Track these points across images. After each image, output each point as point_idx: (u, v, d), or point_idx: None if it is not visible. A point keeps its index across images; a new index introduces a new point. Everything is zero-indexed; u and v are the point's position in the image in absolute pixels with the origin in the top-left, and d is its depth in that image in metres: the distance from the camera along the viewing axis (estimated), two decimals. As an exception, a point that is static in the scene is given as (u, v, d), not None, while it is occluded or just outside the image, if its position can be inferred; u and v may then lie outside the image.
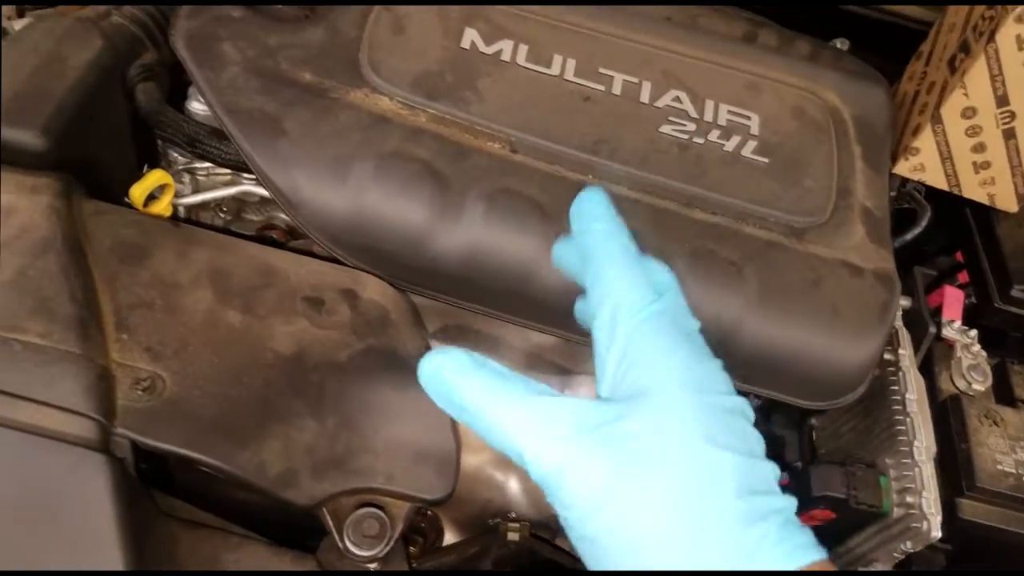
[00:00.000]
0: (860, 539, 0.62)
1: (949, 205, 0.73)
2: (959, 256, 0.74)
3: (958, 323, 0.67)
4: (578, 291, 0.56)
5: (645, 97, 0.64)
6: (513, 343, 0.65)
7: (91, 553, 0.40)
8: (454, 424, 0.50)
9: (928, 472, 0.59)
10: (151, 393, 0.45)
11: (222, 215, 0.66)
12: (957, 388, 0.65)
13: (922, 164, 0.70)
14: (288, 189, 0.56)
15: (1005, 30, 0.61)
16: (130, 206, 0.58)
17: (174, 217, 0.61)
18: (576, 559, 0.40)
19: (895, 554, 0.59)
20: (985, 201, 0.71)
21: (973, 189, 0.70)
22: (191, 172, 0.64)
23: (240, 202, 0.66)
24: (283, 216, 0.66)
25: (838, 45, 0.77)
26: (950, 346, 0.67)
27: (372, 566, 0.46)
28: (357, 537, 0.46)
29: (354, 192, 0.55)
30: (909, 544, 0.58)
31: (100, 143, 0.57)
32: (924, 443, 0.60)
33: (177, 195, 0.61)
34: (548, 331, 0.60)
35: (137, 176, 0.61)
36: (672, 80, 0.65)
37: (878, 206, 0.65)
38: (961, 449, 0.61)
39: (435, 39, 0.63)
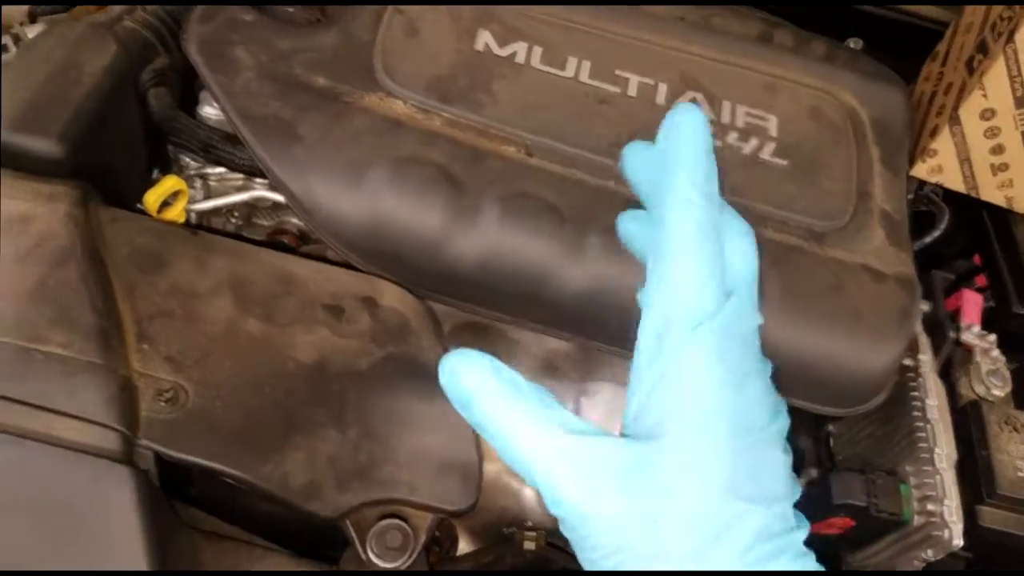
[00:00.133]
0: (880, 547, 0.61)
1: (966, 207, 0.73)
2: (977, 259, 0.74)
3: (977, 327, 0.67)
4: (596, 296, 0.57)
5: (661, 99, 0.63)
6: (529, 348, 0.65)
7: (116, 566, 0.39)
8: (476, 434, 0.50)
9: (949, 479, 0.58)
10: (174, 404, 0.44)
11: (233, 220, 0.66)
12: (976, 394, 0.64)
13: (940, 166, 0.69)
14: (303, 194, 0.55)
15: (1025, 31, 0.61)
16: (143, 212, 0.57)
17: (186, 223, 0.60)
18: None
19: (916, 562, 0.59)
20: (1003, 204, 0.70)
21: (991, 191, 0.70)
22: (203, 177, 0.63)
23: (251, 207, 0.65)
24: (294, 220, 0.66)
25: (851, 45, 0.76)
26: (969, 351, 0.66)
27: (394, 578, 0.46)
28: (380, 549, 0.45)
29: (369, 197, 0.55)
30: (931, 552, 0.58)
31: (114, 149, 0.56)
32: (945, 450, 0.60)
33: (189, 201, 0.60)
34: (564, 337, 0.60)
35: (148, 182, 0.60)
36: (689, 81, 0.65)
37: (897, 209, 0.64)
38: (981, 456, 0.60)
39: (449, 42, 0.62)
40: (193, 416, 0.44)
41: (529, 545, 0.60)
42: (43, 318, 0.45)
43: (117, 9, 0.59)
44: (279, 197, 0.62)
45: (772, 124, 0.64)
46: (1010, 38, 0.61)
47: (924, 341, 0.65)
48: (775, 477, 0.36)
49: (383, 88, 0.59)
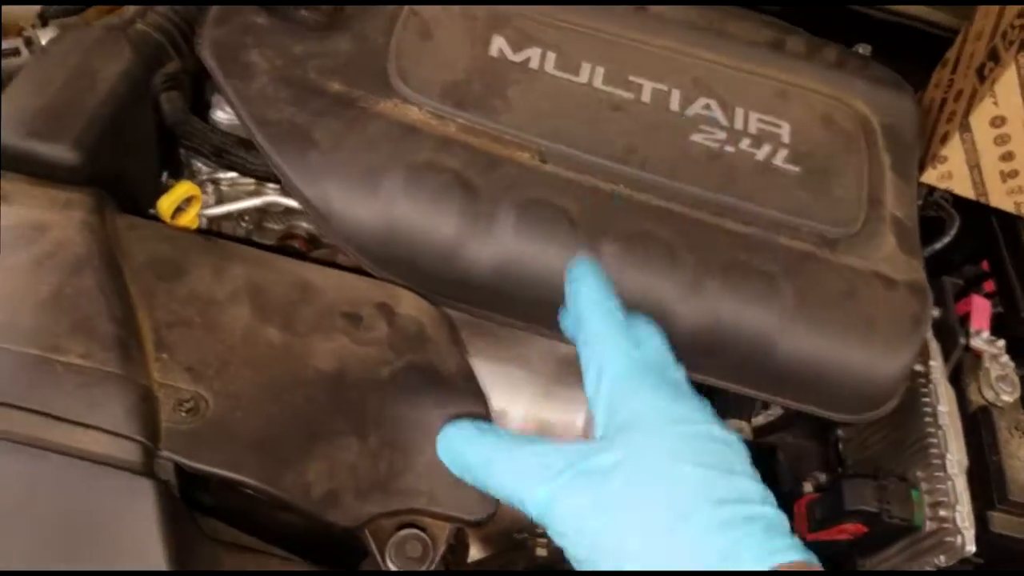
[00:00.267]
0: (892, 552, 0.62)
1: (975, 213, 0.73)
2: (985, 265, 0.74)
3: (986, 333, 0.67)
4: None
5: (675, 105, 0.63)
6: (542, 354, 0.65)
7: (139, 580, 0.39)
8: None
9: (961, 485, 0.59)
10: (194, 414, 0.44)
11: (244, 225, 0.66)
12: (986, 399, 0.65)
13: (950, 172, 0.70)
14: (318, 200, 0.55)
15: (1037, 39, 0.61)
16: (157, 218, 0.57)
17: (199, 228, 0.60)
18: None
19: (928, 568, 0.59)
20: (1012, 210, 0.71)
21: (1000, 198, 0.70)
22: (215, 182, 0.63)
23: (262, 211, 0.65)
24: (305, 225, 0.66)
25: (860, 51, 0.76)
26: (978, 356, 0.67)
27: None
28: (400, 559, 0.45)
29: (385, 203, 0.55)
30: (943, 558, 0.58)
31: (129, 155, 0.56)
32: (956, 456, 0.60)
33: (201, 205, 0.60)
34: (578, 343, 0.60)
35: (161, 187, 0.60)
36: (702, 88, 0.65)
37: (908, 216, 0.64)
38: (992, 461, 0.61)
39: (463, 47, 0.62)
40: (214, 426, 0.44)
41: (542, 552, 0.60)
42: (61, 328, 0.45)
43: (129, 12, 0.58)
44: (291, 202, 0.62)
45: (785, 131, 0.64)
46: (1021, 46, 0.62)
47: (934, 347, 0.66)
48: (728, 458, 0.41)
49: (398, 94, 0.58)
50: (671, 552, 0.38)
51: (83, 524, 0.40)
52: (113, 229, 0.50)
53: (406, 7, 0.62)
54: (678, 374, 0.46)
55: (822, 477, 0.72)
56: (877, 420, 0.65)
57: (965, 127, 0.67)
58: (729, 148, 0.62)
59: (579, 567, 0.41)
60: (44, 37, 0.56)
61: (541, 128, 0.59)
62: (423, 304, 0.54)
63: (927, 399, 0.63)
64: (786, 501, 0.70)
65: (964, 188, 0.70)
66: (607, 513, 0.39)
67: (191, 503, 0.46)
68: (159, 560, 0.39)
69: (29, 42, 0.56)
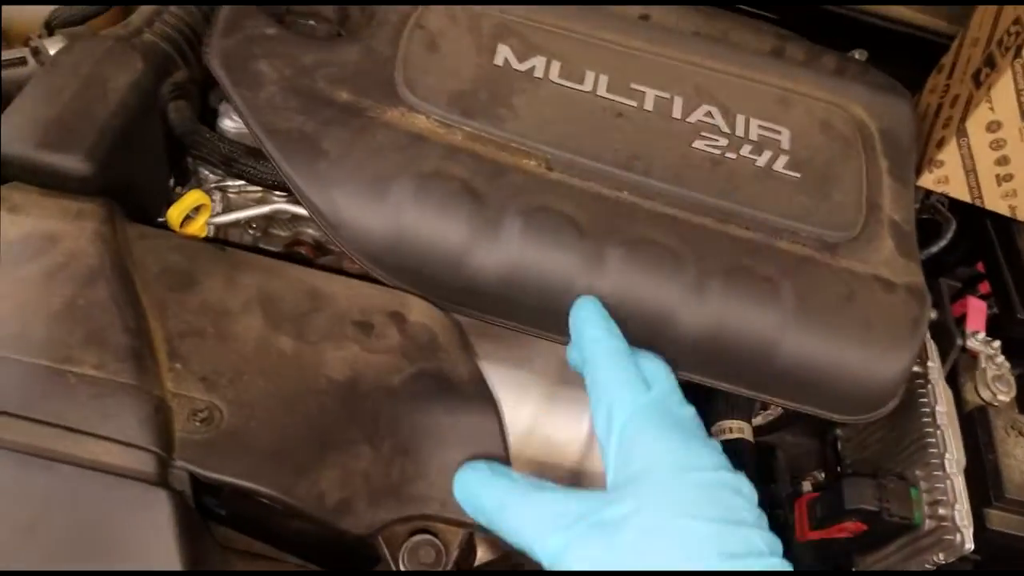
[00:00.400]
0: (891, 550, 0.63)
1: (969, 216, 0.74)
2: (979, 266, 0.75)
3: (982, 334, 0.68)
4: (615, 309, 0.58)
5: (677, 112, 0.64)
6: (549, 359, 0.65)
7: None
8: (506, 449, 0.51)
9: (960, 484, 0.60)
10: (209, 424, 0.44)
11: (251, 232, 0.66)
12: (982, 399, 0.66)
13: (946, 176, 0.71)
14: (327, 209, 0.55)
15: (1032, 46, 0.62)
16: (166, 226, 0.57)
17: (208, 237, 0.60)
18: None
19: (927, 566, 0.60)
20: (1007, 213, 0.72)
21: (995, 201, 0.71)
22: (222, 190, 0.63)
23: (268, 219, 0.65)
24: (311, 231, 0.66)
25: (856, 56, 0.77)
26: (974, 357, 0.68)
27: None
28: (414, 564, 0.46)
29: (393, 212, 0.55)
30: (941, 556, 0.59)
31: (139, 165, 0.56)
32: (955, 455, 0.61)
33: (210, 214, 0.60)
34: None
35: (168, 195, 0.60)
36: (703, 95, 0.66)
37: (905, 219, 0.65)
38: (988, 460, 0.62)
39: (469, 56, 0.62)
40: (228, 436, 0.45)
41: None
42: (75, 338, 0.45)
43: (136, 22, 0.59)
44: (298, 210, 0.62)
45: (785, 137, 0.65)
46: (1018, 53, 0.63)
47: (932, 348, 0.67)
48: (735, 507, 0.42)
49: (405, 103, 0.59)
50: None
51: (98, 536, 0.40)
52: (124, 239, 0.50)
53: (412, 18, 0.63)
54: (687, 412, 0.47)
55: (821, 476, 0.74)
56: (876, 420, 0.66)
57: (962, 132, 0.68)
58: (731, 155, 0.63)
59: None
60: (51, 47, 0.56)
61: (547, 136, 0.60)
62: (434, 311, 0.54)
63: (925, 399, 0.64)
64: (786, 500, 0.71)
65: (960, 192, 0.71)
66: (619, 564, 0.40)
67: (203, 511, 0.46)
68: (174, 570, 0.40)
69: (36, 52, 0.56)
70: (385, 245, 0.56)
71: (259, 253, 0.56)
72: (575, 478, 0.63)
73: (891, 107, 0.70)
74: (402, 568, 0.46)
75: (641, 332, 0.57)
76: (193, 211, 0.58)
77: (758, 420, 0.76)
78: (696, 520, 0.40)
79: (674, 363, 0.59)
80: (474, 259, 0.56)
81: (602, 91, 0.63)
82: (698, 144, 0.63)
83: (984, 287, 0.75)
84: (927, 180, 0.71)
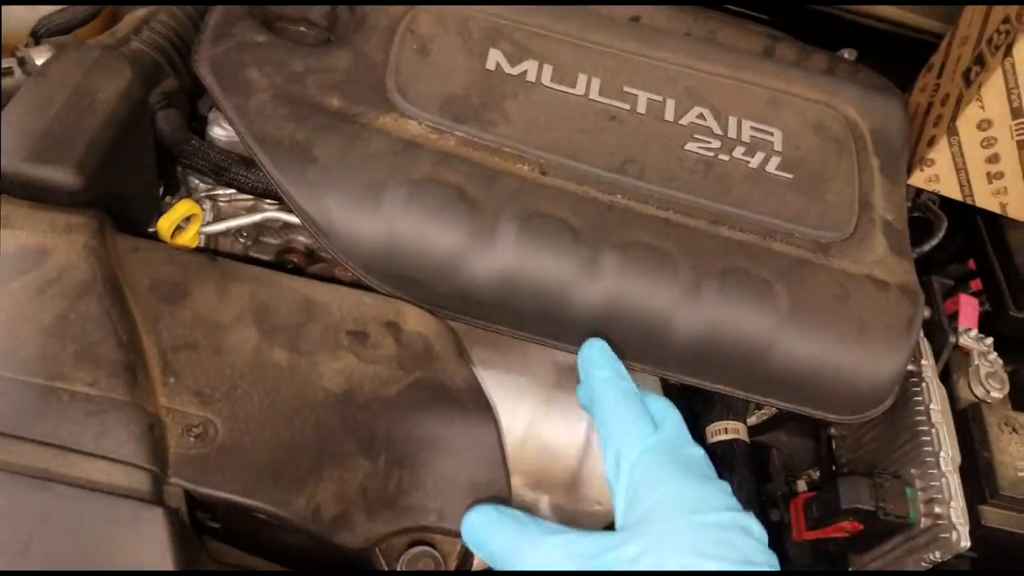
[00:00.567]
0: (887, 548, 0.63)
1: (960, 213, 0.75)
2: (971, 264, 0.76)
3: (974, 331, 0.69)
4: (610, 312, 0.58)
5: (670, 115, 0.64)
6: (544, 364, 0.65)
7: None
8: (504, 458, 0.50)
9: (955, 482, 0.60)
10: (203, 439, 0.44)
11: (242, 240, 0.65)
12: (976, 396, 0.66)
13: (937, 175, 0.71)
14: (320, 217, 0.55)
15: (1021, 44, 0.62)
16: (156, 237, 0.57)
17: (199, 247, 0.60)
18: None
19: (923, 564, 0.61)
20: (997, 210, 0.72)
21: (986, 199, 0.72)
22: (213, 199, 0.63)
23: (259, 227, 0.65)
24: (302, 239, 0.66)
25: (846, 55, 0.78)
26: (966, 354, 0.68)
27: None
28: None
29: (386, 219, 0.55)
30: (938, 554, 0.59)
31: (129, 176, 0.56)
32: (950, 453, 0.61)
33: (201, 223, 0.60)
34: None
35: (157, 205, 0.59)
36: (695, 97, 0.66)
37: (898, 218, 0.66)
38: (983, 457, 0.62)
39: (460, 61, 0.62)
40: (223, 451, 0.44)
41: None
42: (67, 355, 0.45)
43: (123, 30, 0.58)
44: (290, 218, 0.62)
45: (777, 138, 0.65)
46: (1008, 52, 0.63)
47: (925, 346, 0.67)
48: (744, 548, 0.42)
49: (396, 109, 0.59)
50: None
51: (93, 556, 0.40)
52: (115, 252, 0.50)
53: (403, 22, 0.62)
54: (695, 452, 0.47)
55: (816, 474, 0.74)
56: (870, 419, 0.67)
57: (952, 131, 0.68)
58: (723, 156, 0.63)
59: None
60: (38, 57, 0.55)
61: (540, 140, 0.60)
62: (429, 320, 0.54)
63: (919, 397, 0.64)
64: (781, 499, 0.72)
65: (951, 190, 0.72)
66: None
67: (197, 526, 0.46)
68: (170, 587, 0.39)
69: (23, 62, 0.56)
70: (378, 252, 0.55)
71: (250, 262, 0.56)
72: (572, 482, 0.63)
73: (882, 106, 0.70)
74: (401, 579, 0.46)
75: (636, 335, 0.57)
76: (184, 221, 0.57)
77: (752, 420, 0.76)
78: (706, 561, 0.41)
79: (669, 365, 0.59)
80: (468, 265, 0.55)
81: (594, 94, 0.63)
82: (691, 146, 0.63)
83: (976, 284, 0.75)
84: (918, 179, 0.72)
